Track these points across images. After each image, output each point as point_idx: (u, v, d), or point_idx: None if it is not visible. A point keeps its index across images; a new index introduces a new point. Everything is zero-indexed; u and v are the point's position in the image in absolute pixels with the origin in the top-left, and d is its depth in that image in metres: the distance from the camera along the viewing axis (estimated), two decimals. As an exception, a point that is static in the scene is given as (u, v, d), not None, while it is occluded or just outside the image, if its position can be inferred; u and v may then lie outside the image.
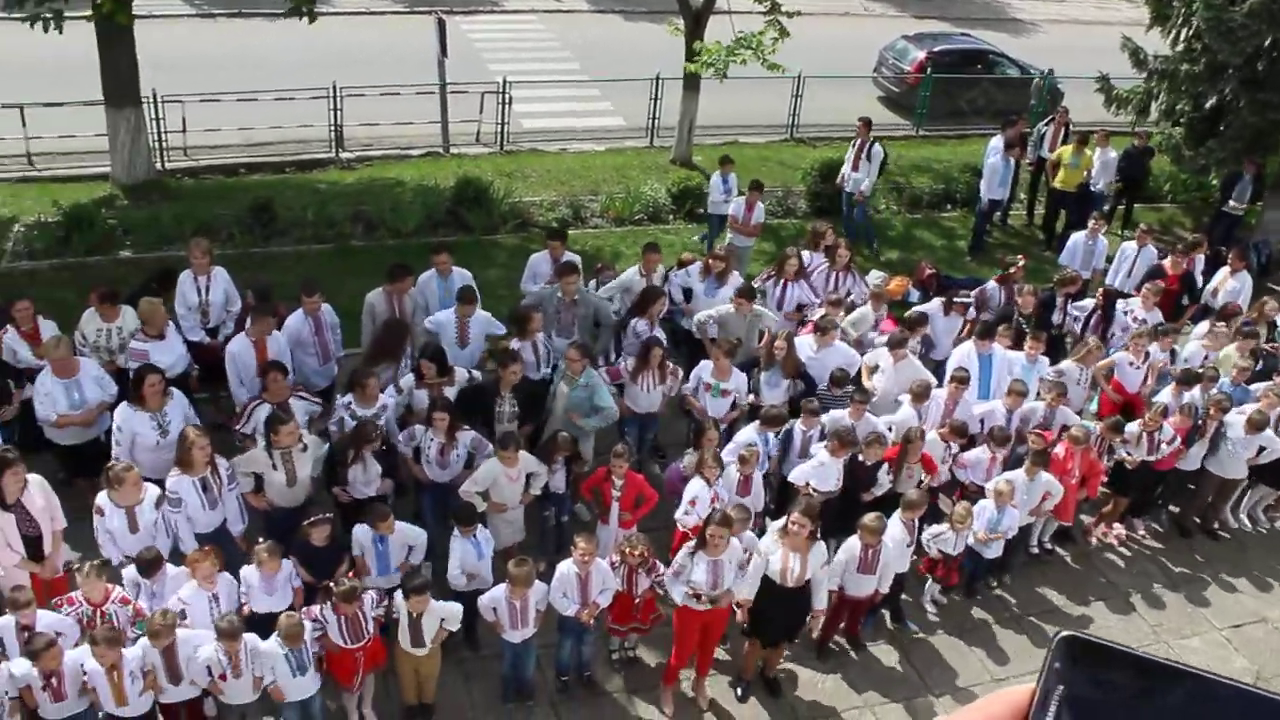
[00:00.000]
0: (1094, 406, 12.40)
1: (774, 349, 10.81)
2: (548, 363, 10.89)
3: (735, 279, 12.19)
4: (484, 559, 8.89)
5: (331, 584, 8.12)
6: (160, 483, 8.84)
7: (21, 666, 7.36)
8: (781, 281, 12.38)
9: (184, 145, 17.64)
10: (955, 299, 12.51)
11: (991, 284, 13.39)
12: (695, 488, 9.38)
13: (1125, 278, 14.36)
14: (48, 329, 10.21)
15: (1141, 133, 17.79)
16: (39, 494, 8.57)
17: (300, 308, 10.60)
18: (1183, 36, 17.74)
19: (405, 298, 11.03)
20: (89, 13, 14.59)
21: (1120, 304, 13.36)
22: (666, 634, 9.70)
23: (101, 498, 8.55)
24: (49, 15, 14.27)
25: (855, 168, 16.29)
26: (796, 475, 9.95)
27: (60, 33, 14.23)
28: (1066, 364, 11.79)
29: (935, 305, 12.55)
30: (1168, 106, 18.04)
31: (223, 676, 7.73)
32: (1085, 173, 16.78)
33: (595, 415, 10.25)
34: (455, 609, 8.44)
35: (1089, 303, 13.21)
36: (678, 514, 9.51)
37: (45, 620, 7.70)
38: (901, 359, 11.24)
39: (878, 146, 16.38)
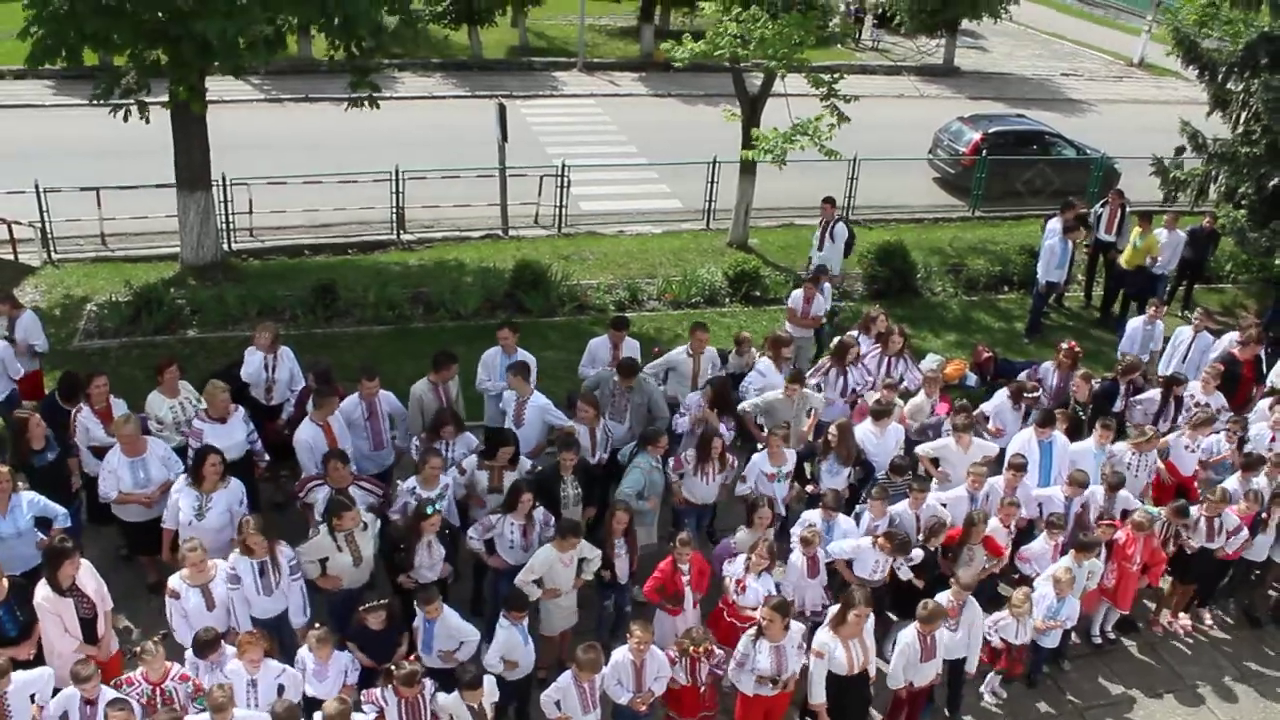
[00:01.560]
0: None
1: (828, 437, 10.79)
2: (604, 448, 10.92)
3: (763, 363, 12.18)
4: (528, 644, 8.85)
5: (392, 667, 8.13)
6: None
7: None
8: (842, 369, 12.35)
9: (250, 226, 18.16)
10: (1026, 392, 12.35)
11: (1047, 364, 13.27)
12: (738, 561, 9.43)
13: (1180, 363, 14.17)
14: (118, 408, 10.44)
15: (1209, 214, 17.59)
16: (90, 578, 8.67)
17: (357, 391, 10.76)
18: (1242, 119, 17.67)
19: (450, 384, 11.17)
20: (165, 99, 15.12)
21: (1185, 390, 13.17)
22: (724, 720, 9.62)
23: (175, 580, 8.67)
24: (133, 104, 14.83)
25: (820, 247, 16.15)
26: (835, 549, 9.93)
27: (146, 121, 14.76)
28: (1120, 446, 11.60)
29: (1001, 400, 12.40)
30: (1228, 189, 17.92)
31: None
32: (1148, 254, 16.67)
33: (646, 489, 10.43)
34: (489, 683, 8.34)
35: (1155, 394, 12.99)
36: (727, 569, 9.54)
37: (107, 696, 7.78)
38: (969, 445, 11.22)
39: (841, 226, 16.23)
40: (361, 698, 8.16)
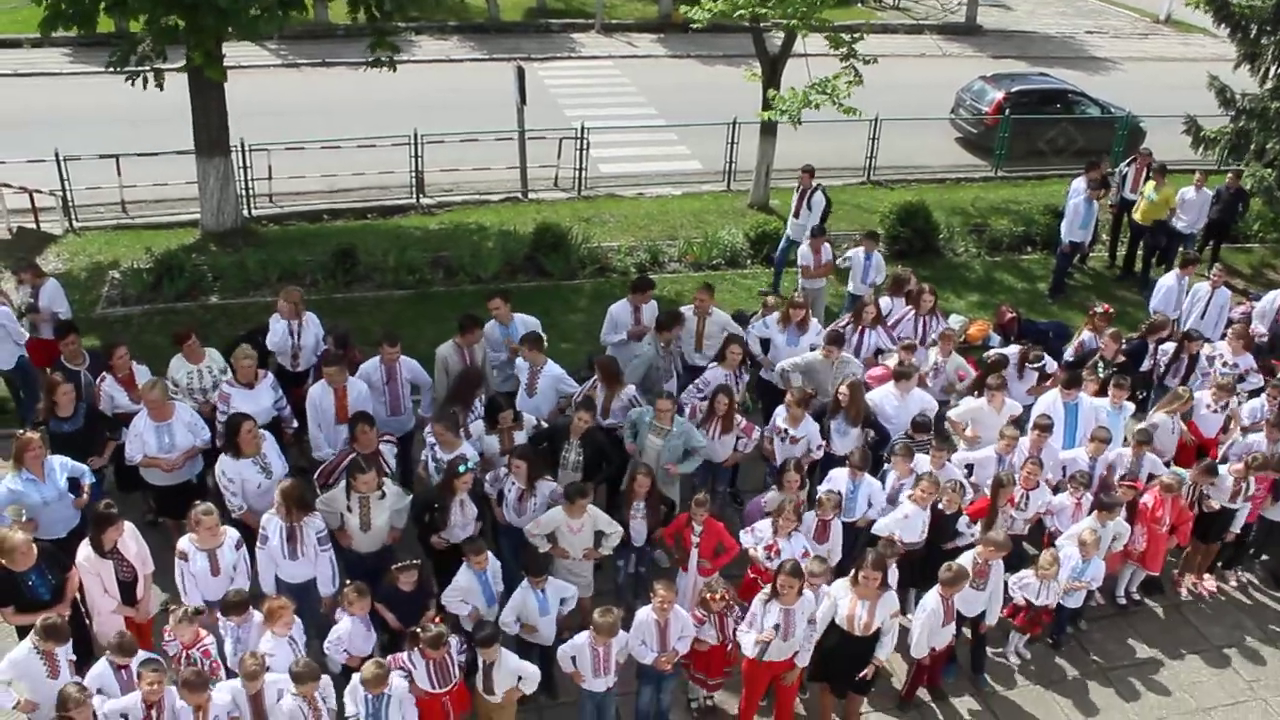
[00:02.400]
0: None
1: (838, 396, 10.75)
2: (618, 415, 10.80)
3: (815, 326, 12.16)
4: (547, 615, 8.87)
5: (419, 629, 8.18)
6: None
7: (123, 702, 7.57)
8: (860, 329, 12.30)
9: (270, 192, 18.15)
10: (1030, 361, 12.26)
11: (1087, 334, 13.08)
12: (761, 525, 9.41)
13: (1198, 320, 14.03)
14: (141, 375, 10.53)
15: (1233, 173, 17.33)
16: (132, 541, 8.81)
17: (378, 355, 10.77)
18: (1272, 73, 17.39)
19: (476, 348, 11.17)
20: (182, 65, 15.07)
21: (1207, 349, 13.03)
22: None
23: (184, 542, 8.75)
24: (149, 72, 14.79)
25: (796, 214, 15.81)
26: (881, 527, 9.84)
27: (161, 89, 14.72)
28: (1159, 416, 11.50)
29: (1013, 352, 12.33)
30: (1258, 146, 17.66)
31: (304, 724, 7.83)
32: (1167, 208, 16.50)
33: (689, 459, 10.35)
34: (533, 671, 8.44)
35: (1169, 347, 12.90)
36: (742, 534, 9.52)
37: (140, 656, 7.86)
38: (1001, 405, 11.17)
39: (820, 194, 15.79)
40: (389, 663, 8.21)
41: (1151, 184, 16.53)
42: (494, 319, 11.55)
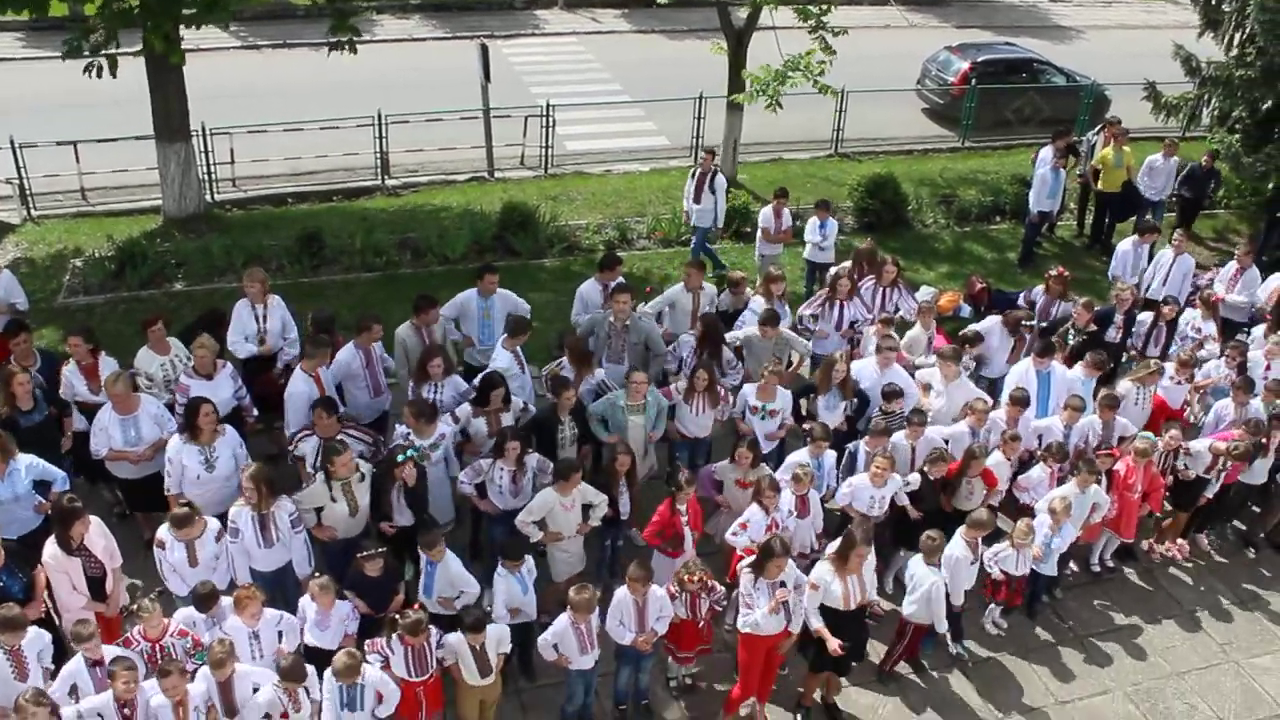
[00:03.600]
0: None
1: (833, 373, 10.70)
2: (589, 396, 10.73)
3: (757, 302, 12.09)
4: (528, 593, 8.83)
5: (397, 616, 8.10)
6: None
7: (95, 701, 7.42)
8: (835, 303, 12.27)
9: (232, 176, 17.91)
10: (1022, 322, 12.26)
11: (1038, 288, 13.22)
12: (751, 513, 9.32)
13: (1161, 285, 14.10)
14: (107, 365, 10.31)
15: (1208, 154, 17.27)
16: (99, 536, 8.66)
17: (352, 340, 10.64)
18: (1236, 41, 17.43)
19: (435, 327, 11.07)
20: (139, 48, 14.80)
21: (1185, 315, 13.11)
22: (723, 659, 9.64)
23: (163, 530, 8.64)
24: (103, 62, 14.48)
25: (698, 199, 15.28)
26: (839, 498, 9.92)
27: (114, 76, 14.45)
28: (1124, 384, 11.55)
29: (993, 322, 12.34)
30: (1221, 113, 17.73)
31: (284, 715, 7.74)
32: (1127, 171, 16.56)
33: (659, 420, 10.44)
34: (501, 630, 8.39)
35: (1147, 317, 12.97)
36: (728, 535, 9.45)
37: (111, 654, 7.74)
38: (954, 377, 11.12)
39: (721, 177, 15.48)
40: (366, 648, 8.14)
41: (1110, 150, 16.55)
42: (477, 289, 11.44)
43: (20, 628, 7.60)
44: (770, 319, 11.30)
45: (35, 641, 7.82)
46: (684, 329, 11.84)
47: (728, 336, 11.51)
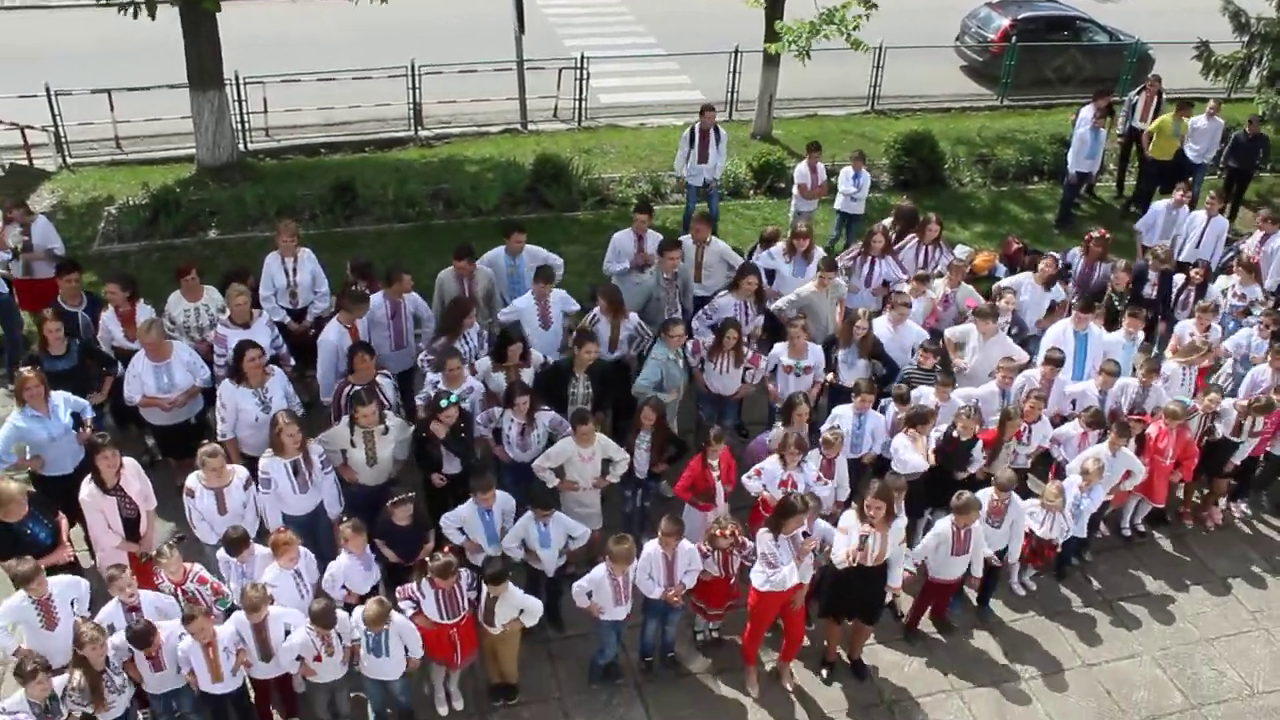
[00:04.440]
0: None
1: (855, 328, 10.63)
2: (634, 346, 10.78)
3: (820, 255, 12.05)
4: (549, 548, 8.85)
5: (427, 559, 8.16)
6: (256, 460, 9.01)
7: (122, 637, 7.57)
8: (869, 258, 12.18)
9: (266, 126, 17.91)
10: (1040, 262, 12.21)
11: (1075, 250, 13.09)
12: (768, 463, 9.33)
13: (1194, 248, 13.88)
14: (144, 312, 10.39)
15: (1252, 120, 16.83)
16: (134, 477, 8.77)
17: (382, 290, 10.66)
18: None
19: (476, 276, 11.04)
20: (174, -4, 14.79)
21: (1221, 281, 12.91)
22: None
23: (192, 479, 8.71)
24: (142, 1, 14.44)
25: (703, 158, 14.75)
26: (901, 464, 9.77)
27: (152, 18, 14.41)
28: (1170, 365, 11.36)
29: (1024, 278, 12.22)
30: (1271, 71, 17.33)
31: (317, 658, 7.83)
32: (1180, 141, 16.25)
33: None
34: (535, 605, 8.43)
35: (1178, 280, 12.80)
36: (743, 478, 9.45)
37: (149, 600, 7.87)
38: (991, 334, 10.99)
39: (723, 130, 15.05)
40: (397, 594, 8.21)
41: (1169, 117, 16.19)
42: (504, 248, 11.43)
43: (38, 578, 7.64)
44: (829, 265, 11.27)
45: (69, 590, 7.90)
46: (687, 280, 11.76)
47: (782, 302, 11.44)
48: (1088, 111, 16.12)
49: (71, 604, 7.84)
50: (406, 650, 8.08)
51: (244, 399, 9.38)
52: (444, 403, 9.14)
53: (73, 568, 8.66)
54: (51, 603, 7.73)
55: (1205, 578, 10.87)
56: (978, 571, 9.45)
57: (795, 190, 14.78)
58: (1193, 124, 16.33)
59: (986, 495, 9.37)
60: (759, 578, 8.60)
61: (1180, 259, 13.64)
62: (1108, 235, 13.25)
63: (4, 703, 7.31)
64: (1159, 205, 14.40)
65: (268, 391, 9.44)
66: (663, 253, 11.28)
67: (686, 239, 12.03)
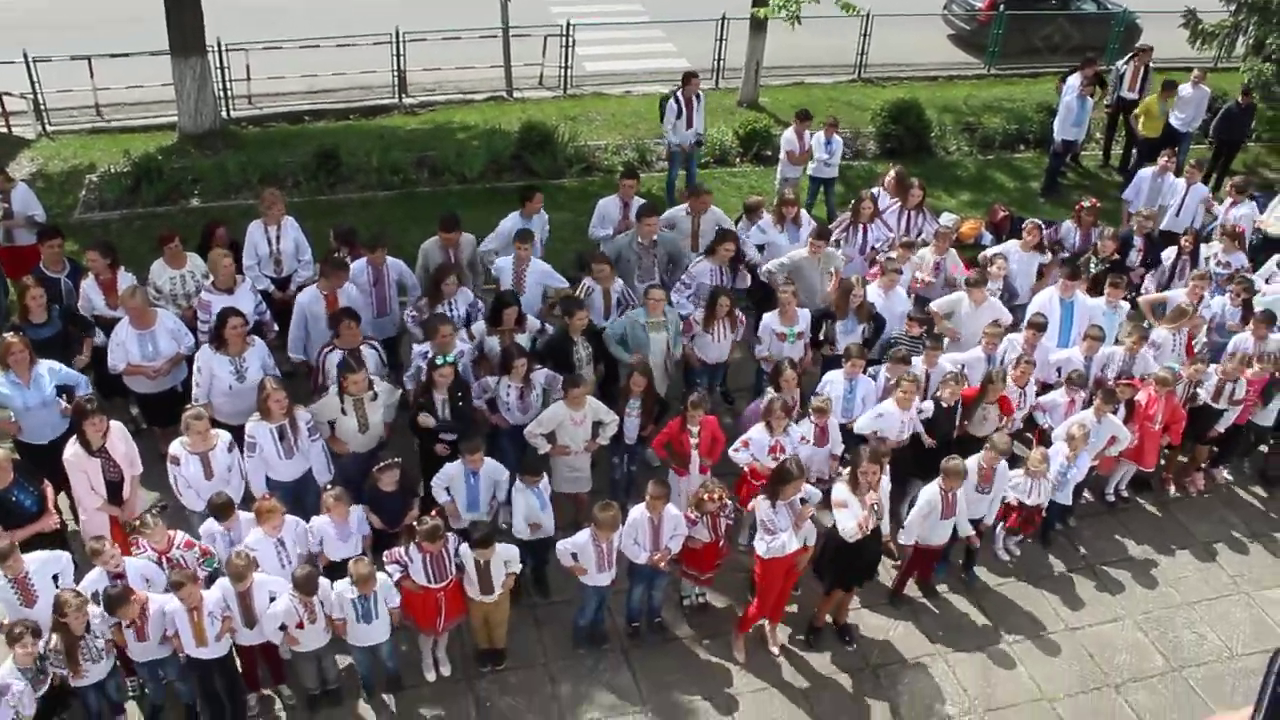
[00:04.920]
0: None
1: (851, 298, 10.63)
2: (621, 309, 10.77)
3: (808, 220, 12.04)
4: (546, 509, 8.89)
5: (415, 524, 8.15)
6: (234, 428, 8.97)
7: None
8: (859, 225, 12.17)
9: (248, 93, 17.72)
10: (1024, 227, 12.25)
11: (1067, 224, 13.10)
12: (755, 432, 9.33)
13: (1174, 216, 13.91)
14: (125, 280, 10.31)
15: (1245, 90, 16.80)
16: (120, 440, 8.73)
17: (365, 256, 10.61)
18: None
19: (460, 244, 10.99)
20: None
21: (1205, 248, 12.95)
22: (736, 580, 9.70)
23: (175, 446, 8.66)
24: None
25: (691, 124, 14.72)
26: (862, 425, 9.83)
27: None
28: (1159, 332, 11.39)
29: (1012, 245, 12.24)
30: (1257, 40, 17.31)
31: (299, 625, 7.83)
32: (1167, 117, 16.24)
33: (677, 341, 10.44)
34: (512, 551, 8.44)
35: (1171, 252, 12.80)
36: (730, 450, 9.45)
37: (134, 567, 7.84)
38: (982, 301, 11.03)
39: (702, 95, 15.08)
40: (385, 559, 8.22)
41: (1155, 99, 16.17)
42: (520, 212, 11.43)
43: (12, 556, 7.58)
44: (821, 234, 11.25)
45: (49, 565, 7.87)
46: (684, 250, 11.76)
47: (772, 265, 11.44)
48: (1074, 80, 16.09)
49: (55, 579, 7.80)
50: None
51: (220, 366, 9.33)
52: (439, 361, 9.12)
53: (58, 535, 8.64)
54: (29, 580, 7.68)
55: (1187, 543, 10.95)
56: (968, 530, 9.50)
57: (783, 157, 14.75)
58: (1179, 91, 16.31)
59: (975, 461, 9.40)
60: (761, 545, 8.62)
61: (1163, 228, 13.67)
62: (1098, 204, 13.26)
63: None
64: (1144, 173, 14.41)
65: (245, 361, 9.39)
66: (640, 218, 11.24)
67: (679, 211, 11.96)
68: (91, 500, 8.61)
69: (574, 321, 9.95)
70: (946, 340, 10.87)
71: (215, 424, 8.90)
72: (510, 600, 8.74)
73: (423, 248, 10.98)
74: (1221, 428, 11.16)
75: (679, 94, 14.64)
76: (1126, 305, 11.57)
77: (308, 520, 8.52)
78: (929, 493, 9.15)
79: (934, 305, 11.32)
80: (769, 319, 10.64)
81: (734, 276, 11.24)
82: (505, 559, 8.36)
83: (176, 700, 8.34)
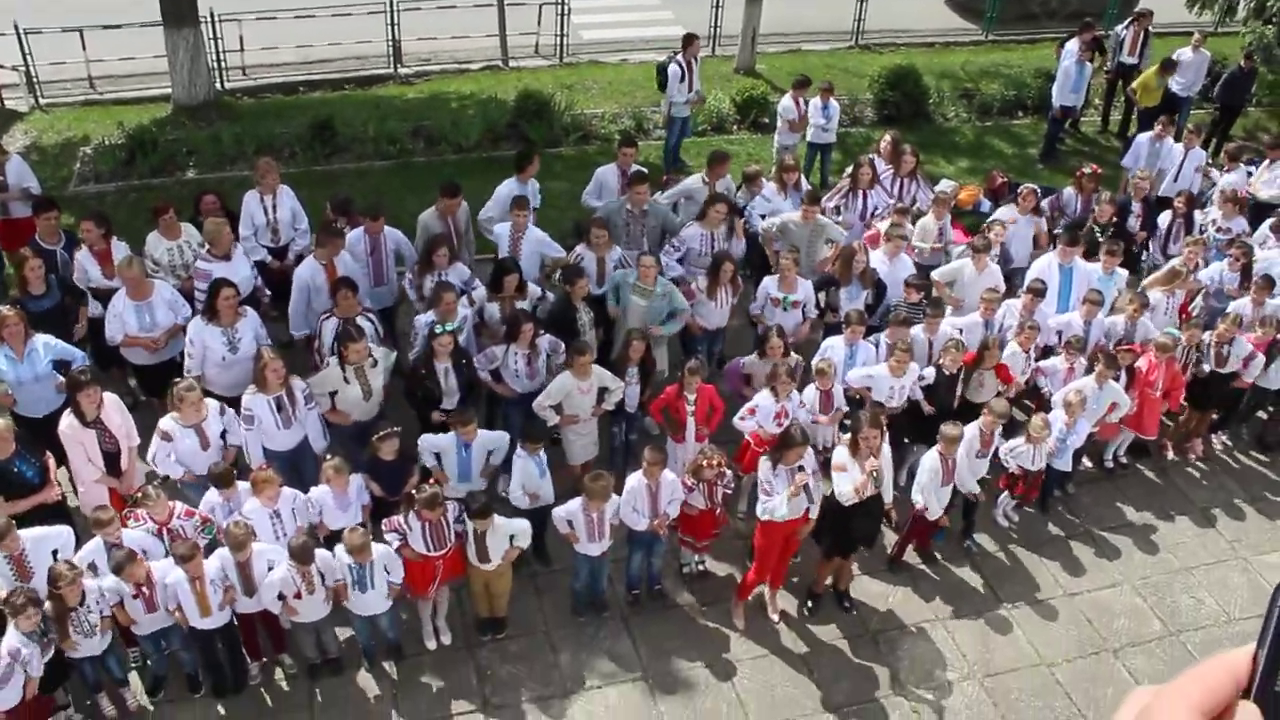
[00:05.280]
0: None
1: (854, 263, 10.60)
2: (624, 266, 10.72)
3: (808, 186, 12.02)
4: (545, 477, 8.90)
5: (414, 492, 8.16)
6: (227, 400, 8.97)
7: (111, 579, 7.55)
8: (858, 192, 12.12)
9: (242, 64, 17.57)
10: (1019, 191, 12.22)
11: (1068, 191, 13.04)
12: (761, 399, 9.30)
13: (1171, 181, 13.86)
14: (120, 250, 10.26)
15: (1247, 54, 16.68)
16: (115, 412, 8.71)
17: (362, 225, 10.56)
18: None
19: (459, 213, 10.95)
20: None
21: (1199, 215, 12.91)
22: (735, 548, 9.72)
23: (166, 422, 8.59)
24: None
25: (691, 87, 14.78)
26: (852, 377, 9.85)
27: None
28: (1153, 294, 11.36)
29: (1008, 211, 12.21)
30: (1259, 3, 17.17)
31: (297, 595, 7.85)
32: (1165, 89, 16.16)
33: (671, 320, 10.31)
34: (524, 525, 8.46)
35: (1166, 216, 12.76)
36: (735, 419, 9.44)
37: (130, 538, 7.84)
38: (984, 267, 11.02)
39: (698, 58, 15.11)
40: (384, 526, 8.22)
41: (1154, 73, 16.05)
42: (516, 178, 11.37)
43: (9, 535, 7.54)
44: (813, 199, 11.20)
45: (48, 540, 7.82)
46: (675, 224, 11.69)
47: (764, 223, 11.42)
48: (1073, 45, 15.97)
49: (54, 554, 7.75)
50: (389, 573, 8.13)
51: (212, 337, 9.28)
52: (439, 330, 9.11)
53: (61, 509, 8.63)
54: (25, 557, 7.66)
55: (1185, 508, 10.98)
56: (974, 489, 9.54)
57: (780, 124, 14.68)
58: (1178, 55, 16.21)
59: (975, 427, 9.40)
60: (759, 507, 8.64)
61: (1161, 193, 13.62)
62: (1099, 170, 13.20)
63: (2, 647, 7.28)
64: (1142, 138, 14.34)
65: (237, 332, 9.33)
66: (631, 185, 11.19)
67: (695, 180, 11.94)
68: (89, 472, 8.59)
69: (575, 289, 9.91)
70: (949, 308, 10.88)
71: (207, 394, 8.88)
72: (514, 569, 8.76)
73: (421, 219, 10.92)
74: (1250, 378, 11.04)
75: (680, 58, 14.55)
76: (1124, 273, 11.53)
77: (305, 490, 8.52)
78: (931, 460, 9.15)
79: (936, 274, 11.29)
80: (768, 281, 10.64)
81: (729, 242, 11.19)
82: (511, 533, 8.37)
83: (179, 670, 8.37)
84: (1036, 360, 10.54)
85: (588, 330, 10.01)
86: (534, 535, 8.98)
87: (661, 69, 14.78)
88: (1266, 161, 14.06)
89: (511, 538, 8.41)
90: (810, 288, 10.64)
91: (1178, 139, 14.19)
